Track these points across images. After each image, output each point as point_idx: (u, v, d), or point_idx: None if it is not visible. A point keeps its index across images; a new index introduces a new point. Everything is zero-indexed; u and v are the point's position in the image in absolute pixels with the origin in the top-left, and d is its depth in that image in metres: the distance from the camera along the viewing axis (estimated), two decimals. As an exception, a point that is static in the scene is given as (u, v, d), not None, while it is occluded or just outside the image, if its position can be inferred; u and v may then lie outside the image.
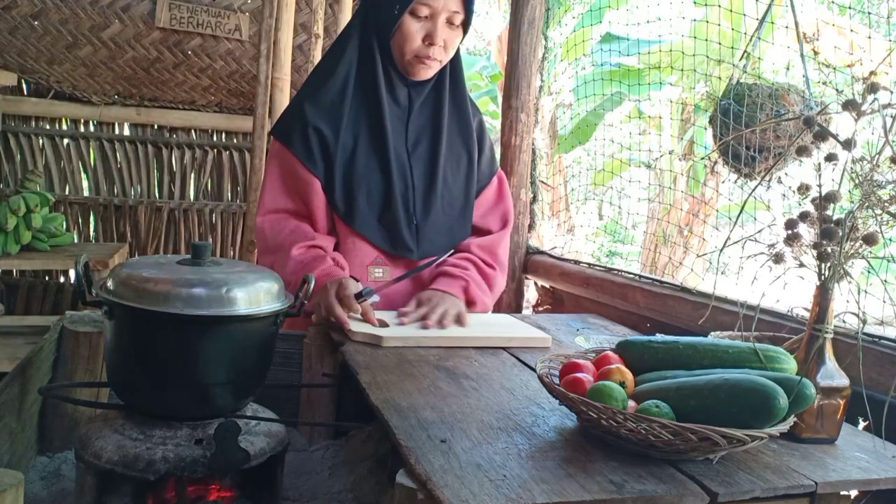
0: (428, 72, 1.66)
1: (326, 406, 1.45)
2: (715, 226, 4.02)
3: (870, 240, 1.01)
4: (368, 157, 1.66)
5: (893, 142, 0.99)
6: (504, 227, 1.84)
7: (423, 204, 1.69)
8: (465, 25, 1.65)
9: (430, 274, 1.71)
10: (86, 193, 3.72)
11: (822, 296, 1.06)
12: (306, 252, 1.60)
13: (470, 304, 1.66)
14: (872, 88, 1.02)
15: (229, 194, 3.82)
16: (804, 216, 1.07)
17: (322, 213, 1.65)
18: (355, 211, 1.64)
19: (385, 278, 1.66)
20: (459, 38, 1.67)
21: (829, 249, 1.03)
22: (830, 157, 1.05)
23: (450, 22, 1.61)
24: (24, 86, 3.54)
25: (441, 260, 1.71)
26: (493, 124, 5.46)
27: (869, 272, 1.08)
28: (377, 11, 1.65)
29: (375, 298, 1.53)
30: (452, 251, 1.74)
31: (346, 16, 3.13)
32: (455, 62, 1.73)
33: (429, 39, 1.61)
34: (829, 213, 1.04)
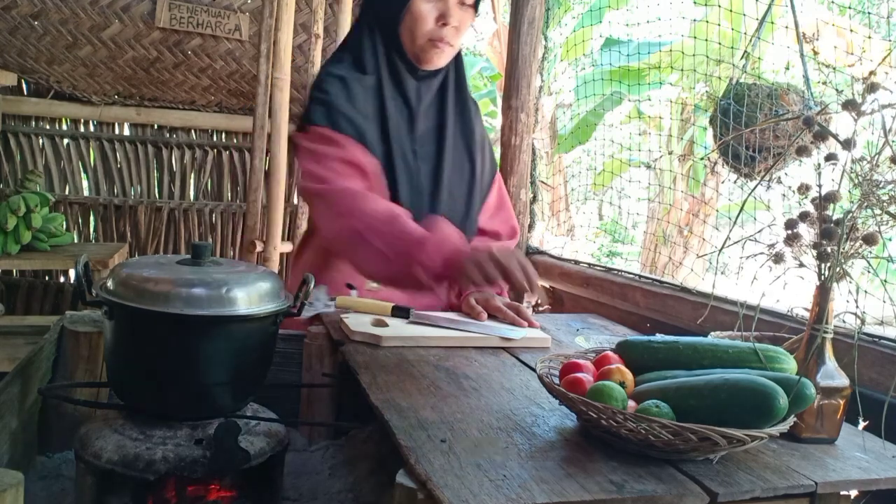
0: (441, 57, 1.61)
1: (326, 406, 1.45)
2: (715, 226, 4.03)
3: (870, 240, 1.01)
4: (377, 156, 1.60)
5: (893, 142, 0.99)
6: (513, 236, 1.82)
7: (429, 211, 1.63)
8: (476, 6, 1.60)
9: None
10: (86, 193, 3.72)
11: (822, 296, 1.06)
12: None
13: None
14: (872, 88, 1.02)
15: (229, 194, 3.82)
16: (804, 216, 1.07)
17: None
18: None
19: (380, 288, 1.64)
20: (471, 20, 1.61)
21: (829, 249, 1.03)
22: (830, 157, 1.05)
23: (461, 2, 1.56)
24: (24, 86, 3.54)
25: None
26: (492, 124, 5.47)
27: (870, 272, 1.08)
28: None
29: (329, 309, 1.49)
30: None
31: (346, 16, 3.13)
32: (458, 63, 1.70)
33: (442, 20, 1.55)
34: (829, 213, 1.04)
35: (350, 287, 1.59)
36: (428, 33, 1.57)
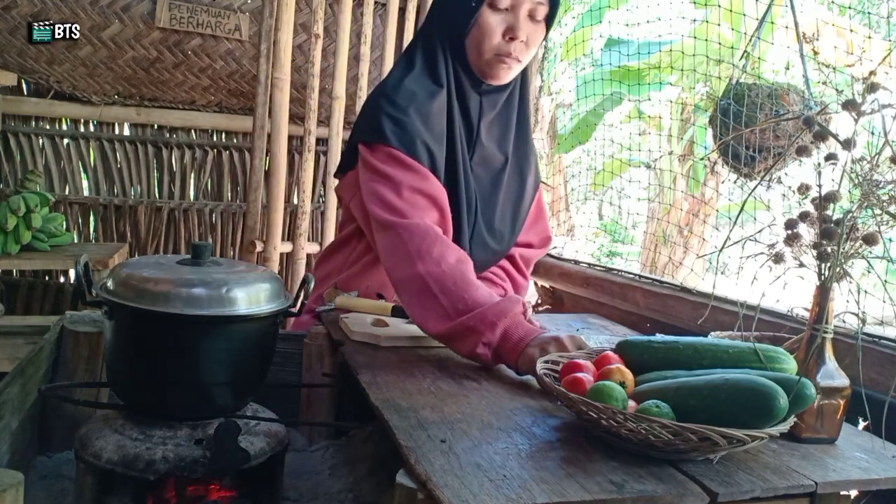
0: (508, 73, 1.52)
1: (326, 406, 1.45)
2: (715, 226, 4.03)
3: (870, 240, 1.01)
4: (443, 171, 1.52)
5: (893, 142, 0.99)
6: (545, 245, 1.81)
7: (479, 228, 1.59)
8: (549, 21, 1.50)
9: None
10: (86, 193, 3.72)
11: (822, 296, 1.06)
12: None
13: None
14: (872, 88, 1.02)
15: (229, 194, 3.82)
16: (804, 216, 1.07)
17: None
18: None
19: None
20: (542, 36, 1.51)
21: (829, 249, 1.03)
22: (830, 157, 1.05)
23: (532, 16, 1.47)
24: (24, 86, 3.54)
25: None
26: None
27: (870, 272, 1.08)
28: (449, 8, 1.52)
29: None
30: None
31: (346, 16, 3.13)
32: (524, 79, 1.61)
33: (510, 33, 1.46)
34: (829, 213, 1.04)
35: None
36: (495, 48, 1.48)
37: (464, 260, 1.37)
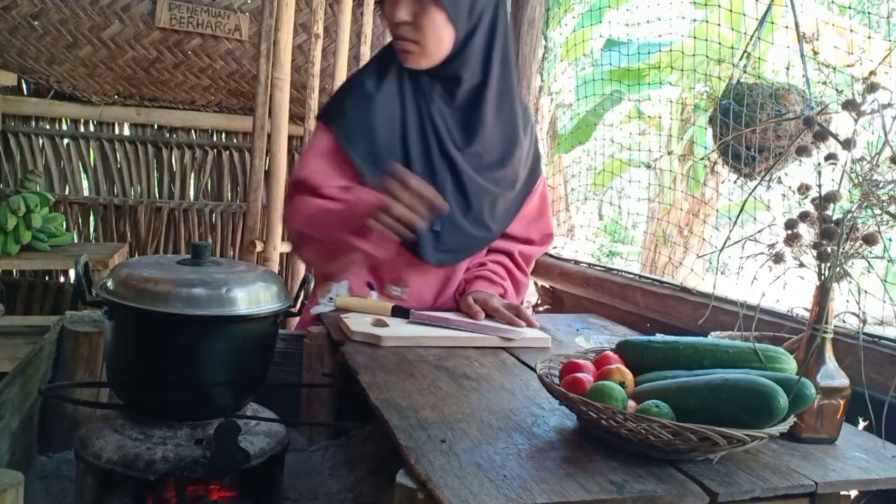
0: (409, 58, 1.52)
1: (326, 406, 1.45)
2: (715, 226, 4.03)
3: (870, 240, 1.01)
4: (395, 158, 1.55)
5: (893, 142, 0.99)
6: (546, 242, 1.81)
7: (449, 210, 1.57)
8: (442, 2, 1.44)
9: (469, 276, 1.70)
10: (86, 193, 3.72)
11: (822, 296, 1.06)
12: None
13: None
14: (872, 88, 1.02)
15: (229, 194, 3.82)
16: (804, 216, 1.07)
17: None
18: None
19: (402, 297, 1.64)
20: (437, 16, 1.45)
21: (829, 249, 1.03)
22: (830, 157, 1.05)
23: None
24: (24, 86, 3.55)
25: (479, 262, 1.70)
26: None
27: (870, 272, 1.08)
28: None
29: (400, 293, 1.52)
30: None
31: (346, 16, 3.13)
32: (505, 60, 1.58)
33: (390, 17, 1.46)
34: (829, 213, 1.04)
35: (370, 286, 1.60)
36: (391, 34, 1.51)
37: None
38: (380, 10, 1.56)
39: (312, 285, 1.25)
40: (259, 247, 3.06)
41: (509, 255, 1.76)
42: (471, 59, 1.54)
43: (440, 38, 1.49)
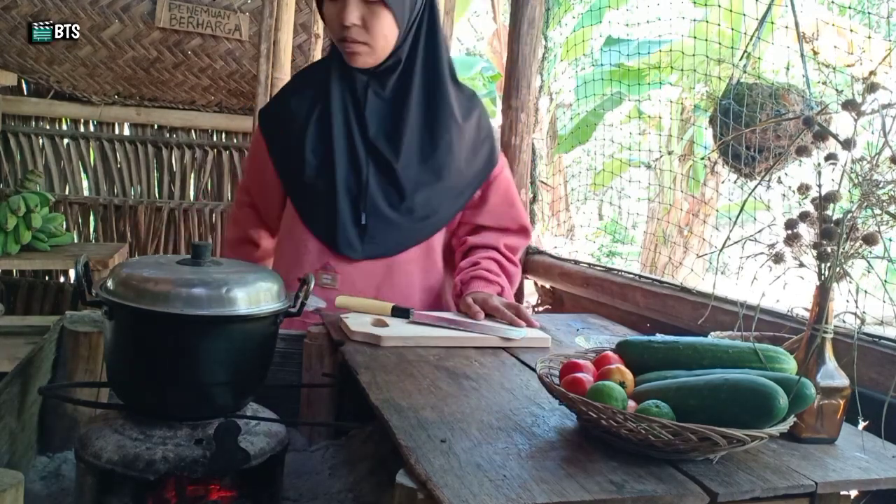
0: (358, 58, 1.57)
1: (326, 406, 1.45)
2: (715, 226, 4.03)
3: (870, 240, 1.01)
4: (317, 151, 1.64)
5: (893, 142, 0.99)
6: (523, 234, 1.82)
7: (375, 201, 1.63)
8: (388, 2, 1.50)
9: (464, 276, 1.71)
10: (86, 193, 3.72)
11: (822, 296, 1.06)
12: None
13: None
14: (872, 88, 1.02)
15: (229, 194, 3.82)
16: (804, 216, 1.07)
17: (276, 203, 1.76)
18: (305, 204, 1.68)
19: (333, 286, 1.65)
20: (385, 17, 1.52)
21: (829, 249, 1.03)
22: (830, 157, 1.05)
23: None
24: (24, 86, 3.55)
25: (471, 262, 1.72)
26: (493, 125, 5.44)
27: (870, 272, 1.08)
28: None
29: (321, 304, 1.48)
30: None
31: (346, 16, 3.13)
32: (432, 48, 1.63)
33: (339, 19, 1.51)
34: (829, 213, 1.04)
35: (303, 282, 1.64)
36: (336, 34, 1.56)
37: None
38: (317, 9, 1.61)
39: (312, 285, 1.24)
40: (259, 247, 3.05)
41: (496, 248, 1.76)
42: (403, 51, 1.62)
43: (387, 37, 1.56)
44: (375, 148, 1.63)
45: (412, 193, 1.65)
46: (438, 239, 1.75)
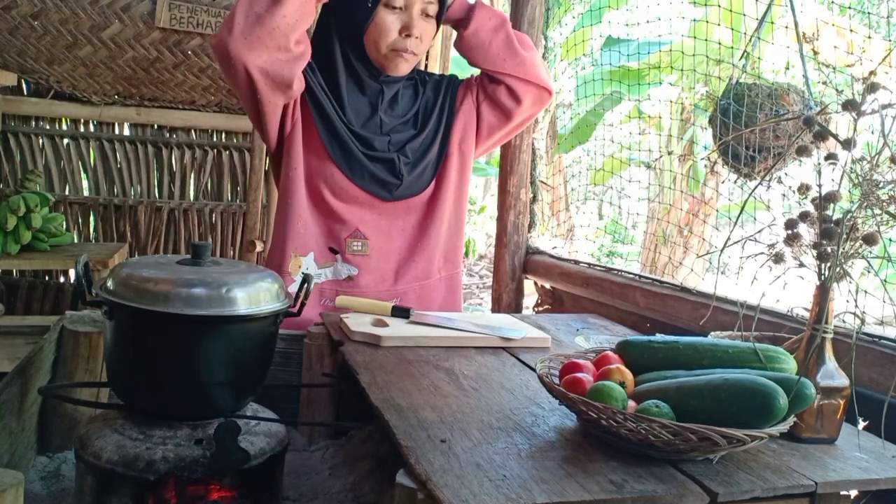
0: (405, 66, 1.68)
1: (326, 406, 1.45)
2: (715, 226, 4.03)
3: (870, 240, 1.01)
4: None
5: (893, 142, 0.99)
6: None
7: (403, 155, 1.71)
8: (438, 18, 1.67)
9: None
10: (86, 193, 3.72)
11: (822, 296, 1.06)
12: None
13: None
14: (872, 88, 1.02)
15: (229, 194, 3.82)
16: (804, 216, 1.07)
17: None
18: (336, 144, 1.67)
19: (364, 252, 1.70)
20: (433, 31, 1.69)
21: (829, 249, 1.03)
22: (830, 157, 1.05)
23: (425, 13, 1.63)
24: (24, 86, 3.54)
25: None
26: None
27: (870, 272, 1.08)
28: (348, 7, 1.64)
29: (353, 271, 1.60)
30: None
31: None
32: (434, 77, 1.81)
33: (406, 31, 1.62)
34: (829, 213, 1.04)
35: (333, 251, 1.69)
36: (392, 44, 1.63)
37: None
38: (372, 14, 1.62)
39: (313, 285, 1.25)
40: (259, 247, 3.06)
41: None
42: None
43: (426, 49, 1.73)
44: (395, 143, 1.73)
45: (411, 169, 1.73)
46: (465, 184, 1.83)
